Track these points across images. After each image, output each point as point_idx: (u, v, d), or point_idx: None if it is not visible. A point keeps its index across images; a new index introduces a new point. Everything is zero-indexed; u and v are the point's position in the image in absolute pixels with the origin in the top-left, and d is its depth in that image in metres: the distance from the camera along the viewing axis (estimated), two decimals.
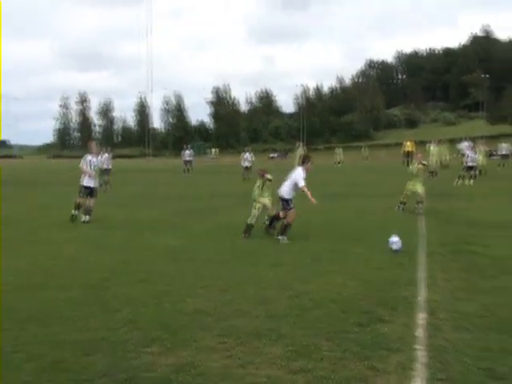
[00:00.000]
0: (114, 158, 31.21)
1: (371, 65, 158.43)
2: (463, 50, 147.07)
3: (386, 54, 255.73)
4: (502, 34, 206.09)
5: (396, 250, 9.28)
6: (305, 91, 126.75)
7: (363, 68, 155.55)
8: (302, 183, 10.60)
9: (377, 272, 7.93)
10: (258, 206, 11.53)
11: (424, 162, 16.03)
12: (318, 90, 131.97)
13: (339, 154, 55.74)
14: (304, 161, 11.00)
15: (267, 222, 11.69)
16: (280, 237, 10.65)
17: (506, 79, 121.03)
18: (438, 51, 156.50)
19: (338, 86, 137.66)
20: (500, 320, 5.68)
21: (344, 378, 4.32)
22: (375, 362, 4.63)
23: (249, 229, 11.30)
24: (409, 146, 42.49)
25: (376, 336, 5.24)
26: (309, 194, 10.44)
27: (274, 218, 11.36)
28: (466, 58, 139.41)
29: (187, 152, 38.54)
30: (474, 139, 40.22)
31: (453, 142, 51.91)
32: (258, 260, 8.96)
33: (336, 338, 5.18)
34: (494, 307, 6.10)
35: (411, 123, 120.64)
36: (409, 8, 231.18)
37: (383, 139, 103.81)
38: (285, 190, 10.86)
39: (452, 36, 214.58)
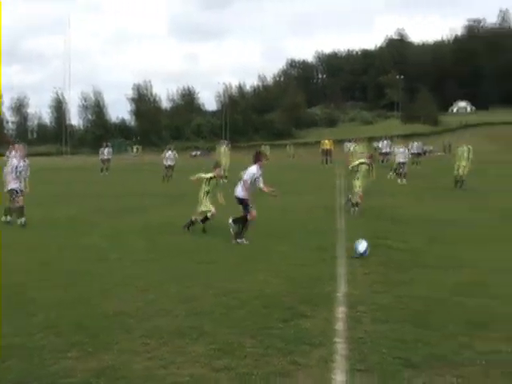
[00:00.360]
0: (28, 155, 29.58)
1: (292, 64, 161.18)
2: (379, 52, 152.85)
3: (307, 53, 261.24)
4: (416, 37, 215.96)
5: (362, 254, 8.79)
6: (227, 89, 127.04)
7: (284, 67, 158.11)
8: (260, 184, 10.34)
9: (299, 269, 8.09)
10: (203, 208, 11.63)
11: (367, 161, 15.05)
12: (240, 89, 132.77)
13: (266, 151, 56.23)
14: (258, 158, 10.51)
15: (198, 219, 11.72)
16: (238, 240, 10.27)
17: (419, 81, 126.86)
18: (357, 52, 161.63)
19: (260, 84, 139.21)
20: (414, 311, 5.95)
21: (267, 374, 4.38)
22: (298, 356, 4.72)
23: (191, 224, 11.60)
24: (327, 144, 43.66)
25: (298, 331, 5.34)
26: (268, 189, 10.38)
27: (242, 221, 10.53)
28: (382, 60, 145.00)
29: (106, 150, 37.19)
30: (391, 138, 41.78)
31: (370, 140, 53.80)
32: (183, 258, 8.90)
33: (259, 335, 5.24)
34: (409, 299, 6.39)
35: (331, 122, 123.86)
36: (329, 9, 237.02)
37: (305, 137, 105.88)
38: (240, 190, 10.43)
39: (369, 38, 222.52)
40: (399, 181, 24.33)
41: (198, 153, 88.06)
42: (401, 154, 25.63)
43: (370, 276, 7.57)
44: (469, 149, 21.99)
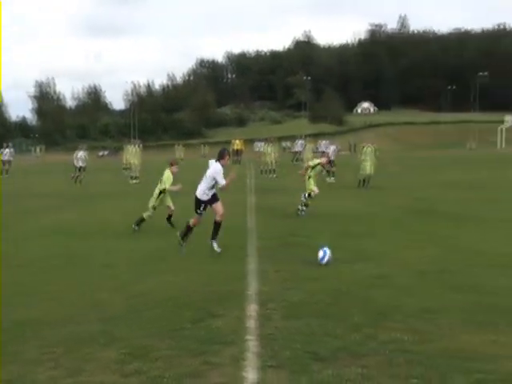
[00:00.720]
0: None
1: (202, 64, 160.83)
2: (287, 54, 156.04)
3: (217, 53, 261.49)
4: (322, 40, 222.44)
5: (327, 261, 8.28)
6: (135, 88, 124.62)
7: (194, 66, 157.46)
8: (222, 181, 9.48)
9: (210, 268, 8.09)
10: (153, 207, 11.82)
11: (323, 162, 14.70)
12: (149, 87, 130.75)
13: (179, 151, 55.56)
14: (221, 156, 9.78)
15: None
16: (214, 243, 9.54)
17: (325, 82, 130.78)
18: (265, 53, 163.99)
19: (169, 83, 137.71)
20: (323, 306, 6.12)
21: (179, 375, 4.34)
22: (210, 356, 4.71)
23: (141, 222, 11.67)
24: (238, 144, 43.99)
25: (210, 331, 5.34)
26: (229, 180, 9.63)
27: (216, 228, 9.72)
28: (290, 61, 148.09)
29: (7, 151, 35.29)
30: (305, 137, 42.69)
31: (279, 140, 54.81)
32: (91, 262, 8.64)
33: (171, 337, 5.18)
34: (318, 294, 6.57)
35: (241, 122, 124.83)
36: (238, 9, 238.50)
37: (214, 137, 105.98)
38: (200, 190, 9.63)
39: (278, 39, 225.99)
40: (328, 179, 24.72)
41: (106, 153, 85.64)
42: (331, 152, 25.78)
43: (280, 273, 7.70)
44: (375, 148, 22.88)
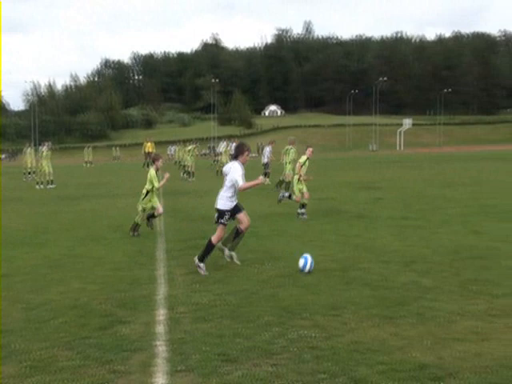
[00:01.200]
0: None
1: (107, 64, 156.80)
2: (195, 56, 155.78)
3: (123, 54, 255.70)
4: (230, 42, 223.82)
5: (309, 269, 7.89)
6: (36, 88, 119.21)
7: (99, 67, 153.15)
8: (240, 182, 7.88)
9: (117, 273, 7.87)
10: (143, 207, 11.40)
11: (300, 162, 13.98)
12: (50, 88, 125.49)
13: (88, 154, 53.37)
14: (240, 151, 8.25)
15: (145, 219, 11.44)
16: (197, 261, 7.98)
17: (233, 84, 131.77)
18: (173, 55, 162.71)
19: (72, 84, 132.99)
20: (232, 307, 6.14)
21: None
22: (117, 364, 4.58)
23: (137, 227, 11.30)
24: (149, 146, 43.18)
25: (117, 338, 5.19)
26: (252, 183, 8.07)
27: (237, 234, 8.41)
28: (198, 63, 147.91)
29: None
30: (231, 139, 42.71)
31: (187, 142, 54.48)
32: None
33: (76, 346, 4.99)
34: (227, 295, 6.59)
35: (148, 123, 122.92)
36: (145, 10, 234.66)
37: (120, 139, 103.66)
38: (221, 199, 8.04)
39: (185, 41, 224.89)
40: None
41: (3, 156, 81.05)
42: (267, 153, 25.62)
43: (189, 276, 7.64)
44: (292, 150, 22.85)
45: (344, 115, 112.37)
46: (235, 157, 8.24)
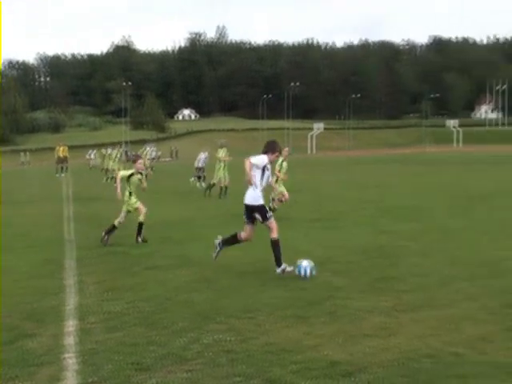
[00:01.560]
0: None
1: (11, 65, 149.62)
2: (106, 58, 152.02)
3: (28, 54, 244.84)
4: (142, 45, 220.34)
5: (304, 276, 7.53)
6: None
7: (2, 68, 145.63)
8: (252, 160, 7.76)
9: (23, 284, 7.50)
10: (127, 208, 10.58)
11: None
12: None
13: None
14: (273, 149, 8.03)
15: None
16: (278, 269, 7.64)
17: (145, 88, 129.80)
18: (82, 57, 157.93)
19: None
20: (146, 314, 6.02)
21: None
22: (22, 380, 4.35)
23: (112, 230, 10.50)
24: (62, 151, 41.39)
25: (23, 353, 4.92)
26: (250, 174, 7.82)
27: (234, 241, 8.18)
28: (109, 66, 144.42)
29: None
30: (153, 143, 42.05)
31: (100, 146, 53.10)
32: None
33: None
34: (140, 302, 6.44)
35: (56, 127, 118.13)
36: (53, 10, 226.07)
37: (26, 144, 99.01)
38: (252, 195, 7.86)
39: (96, 43, 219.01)
40: (198, 185, 23.99)
41: None
42: (201, 159, 25.03)
43: (100, 284, 7.41)
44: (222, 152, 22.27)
45: (257, 119, 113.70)
46: (265, 152, 8.00)
